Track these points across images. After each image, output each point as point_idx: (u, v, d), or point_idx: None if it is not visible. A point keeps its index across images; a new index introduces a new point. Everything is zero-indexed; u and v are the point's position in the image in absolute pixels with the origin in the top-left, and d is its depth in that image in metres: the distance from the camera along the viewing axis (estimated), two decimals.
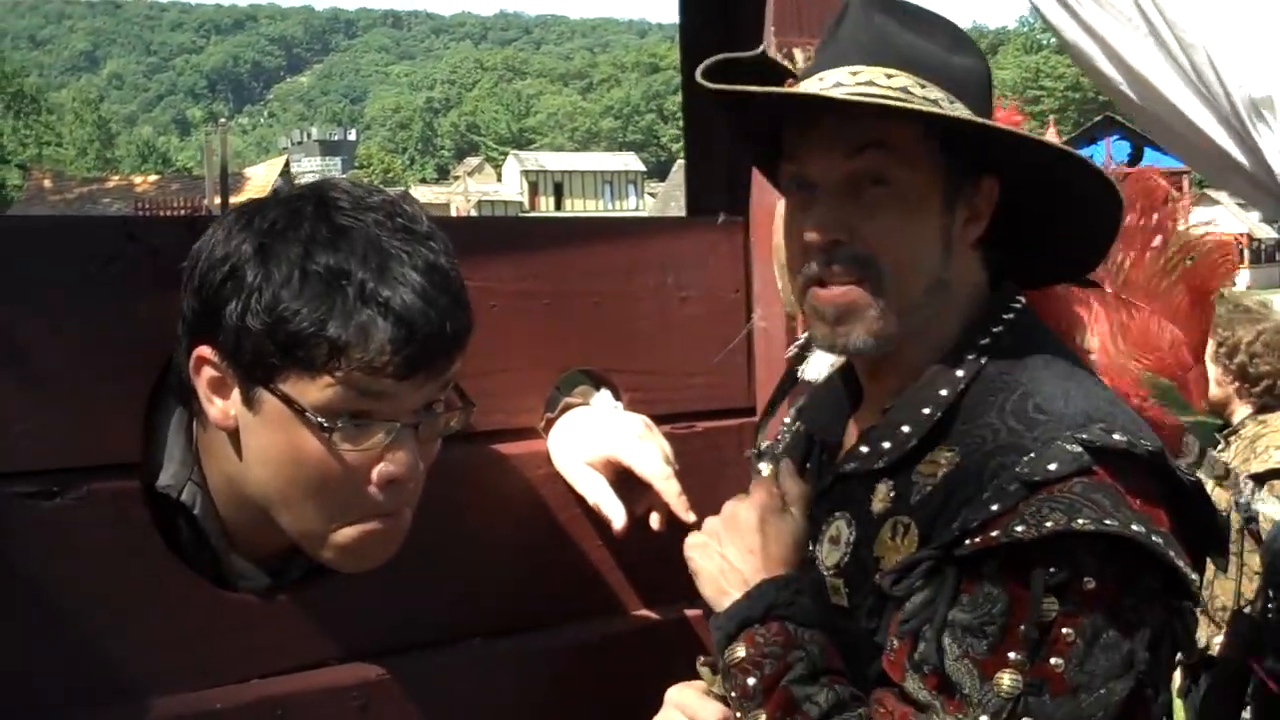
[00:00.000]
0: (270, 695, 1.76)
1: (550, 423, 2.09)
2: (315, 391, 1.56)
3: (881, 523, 1.59)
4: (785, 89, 1.63)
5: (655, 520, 2.00)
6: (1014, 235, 1.66)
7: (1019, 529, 1.42)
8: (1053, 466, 1.44)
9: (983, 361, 1.60)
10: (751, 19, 2.22)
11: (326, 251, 1.55)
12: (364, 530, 1.65)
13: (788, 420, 1.97)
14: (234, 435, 1.65)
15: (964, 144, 1.57)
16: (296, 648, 1.81)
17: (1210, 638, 4.87)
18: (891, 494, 1.59)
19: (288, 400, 1.57)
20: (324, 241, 1.56)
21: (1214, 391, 5.02)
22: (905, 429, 1.60)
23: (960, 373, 1.60)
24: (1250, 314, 4.98)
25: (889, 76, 1.54)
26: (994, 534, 1.43)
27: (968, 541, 1.45)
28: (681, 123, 2.48)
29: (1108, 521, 1.41)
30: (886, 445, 1.61)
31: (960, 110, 1.56)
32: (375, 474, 1.62)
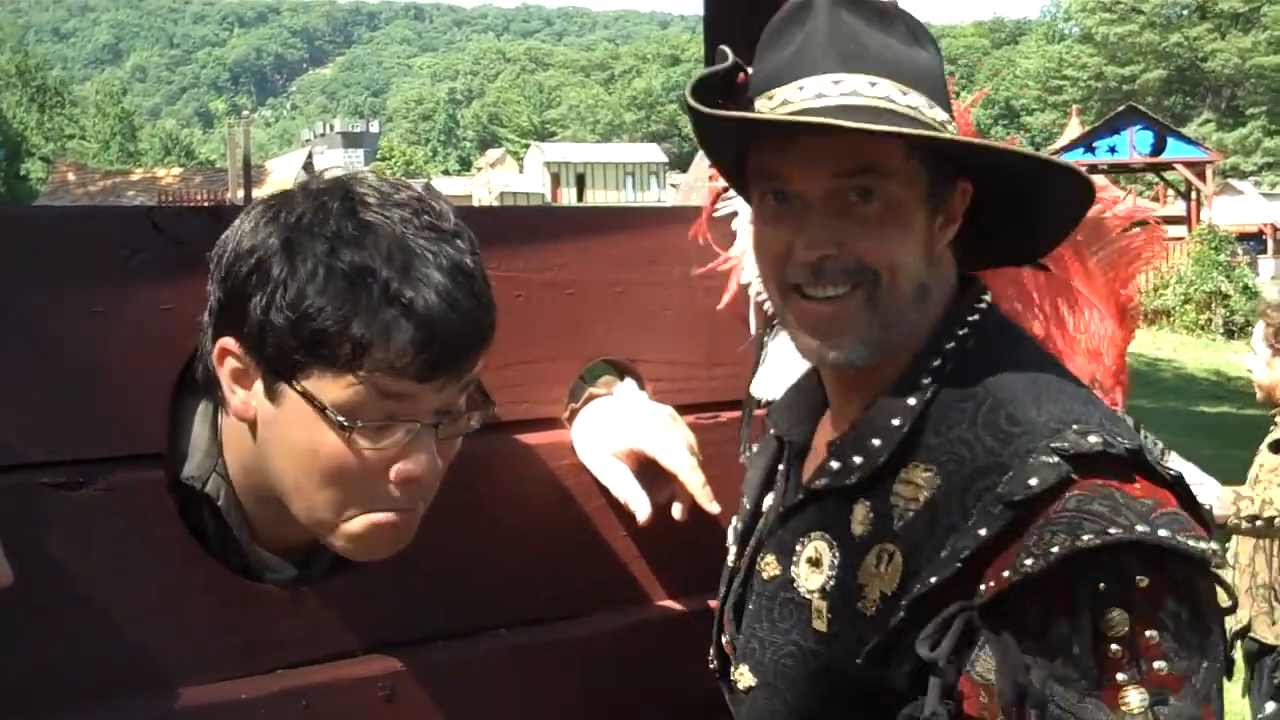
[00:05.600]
0: (296, 686, 1.76)
1: (574, 413, 2.09)
2: (337, 390, 1.55)
3: (865, 548, 1.54)
4: (788, 118, 1.52)
5: (678, 510, 1.99)
6: (972, 221, 1.62)
7: (1027, 562, 1.38)
8: (1033, 482, 1.41)
9: (949, 368, 1.57)
10: (774, 8, 2.20)
11: (351, 249, 1.54)
12: (375, 521, 1.64)
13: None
14: (252, 426, 1.66)
15: (946, 154, 1.55)
16: (322, 638, 1.81)
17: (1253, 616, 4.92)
18: (871, 515, 1.54)
19: (309, 397, 1.57)
20: (350, 238, 1.55)
21: (1265, 375, 5.04)
22: (875, 442, 1.56)
23: (927, 380, 1.56)
24: None
25: (872, 84, 1.51)
26: (1005, 574, 1.39)
27: (982, 588, 1.41)
28: None
29: (1112, 530, 1.37)
30: (858, 460, 1.57)
31: (939, 115, 1.54)
32: (393, 472, 1.61)
